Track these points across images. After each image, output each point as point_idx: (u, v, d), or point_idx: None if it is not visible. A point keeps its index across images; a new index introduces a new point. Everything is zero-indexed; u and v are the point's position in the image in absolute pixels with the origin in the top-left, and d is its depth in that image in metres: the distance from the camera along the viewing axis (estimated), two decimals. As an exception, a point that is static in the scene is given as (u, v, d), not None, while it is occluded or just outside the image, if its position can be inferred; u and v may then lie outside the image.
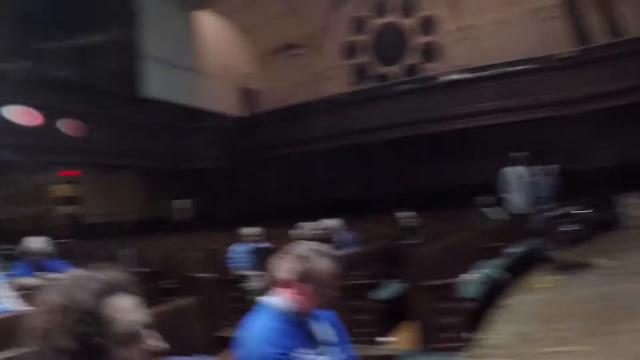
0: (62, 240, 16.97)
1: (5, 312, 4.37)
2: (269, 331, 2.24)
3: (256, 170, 22.69)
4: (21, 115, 16.56)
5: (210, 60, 24.27)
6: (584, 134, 16.50)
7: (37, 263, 5.50)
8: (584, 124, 16.24)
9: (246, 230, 7.62)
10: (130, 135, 19.91)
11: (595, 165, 16.10)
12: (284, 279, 2.34)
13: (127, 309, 1.34)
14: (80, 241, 16.31)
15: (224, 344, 3.94)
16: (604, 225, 11.61)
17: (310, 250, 2.37)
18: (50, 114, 17.37)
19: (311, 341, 2.36)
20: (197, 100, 22.66)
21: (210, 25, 25.10)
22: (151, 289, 4.75)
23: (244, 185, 22.53)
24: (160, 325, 3.38)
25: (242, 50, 26.75)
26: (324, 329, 2.45)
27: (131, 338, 1.33)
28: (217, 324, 4.09)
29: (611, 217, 12.63)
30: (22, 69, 17.88)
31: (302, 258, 2.33)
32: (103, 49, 20.03)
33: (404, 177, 19.05)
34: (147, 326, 1.40)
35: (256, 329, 2.28)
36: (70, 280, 1.36)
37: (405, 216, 7.60)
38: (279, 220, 17.28)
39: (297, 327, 2.33)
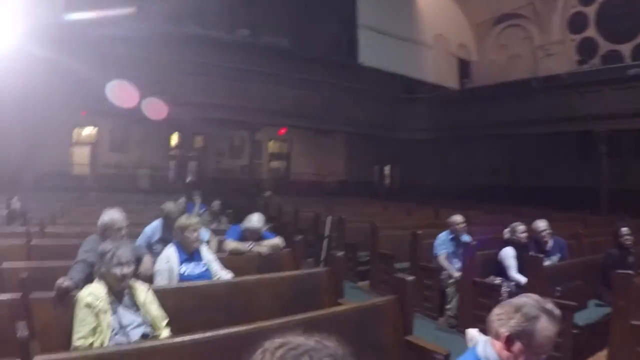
0: (267, 193, 18.16)
1: (202, 277, 4.71)
2: None
3: (463, 147, 21.86)
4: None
5: (425, 29, 23.82)
6: None
7: (250, 236, 5.83)
8: None
9: (452, 219, 7.42)
10: (342, 102, 20.40)
11: None
12: (499, 331, 2.20)
13: None
14: (284, 195, 17.29)
15: (413, 350, 3.91)
16: None
17: (536, 308, 2.16)
18: (269, 79, 18.41)
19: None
20: (410, 70, 22.48)
21: (425, -6, 24.45)
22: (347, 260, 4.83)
23: (449, 161, 22.03)
24: (353, 323, 3.42)
25: (457, 20, 25.68)
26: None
27: None
28: (408, 326, 4.00)
29: None
30: (241, 38, 19.12)
31: (525, 316, 2.14)
32: (321, 17, 20.65)
33: (622, 176, 17.04)
34: None
35: None
36: (302, 347, 1.23)
37: (626, 233, 6.78)
38: (480, 201, 16.85)
39: None
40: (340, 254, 5.00)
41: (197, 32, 17.70)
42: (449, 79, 24.43)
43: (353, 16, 20.53)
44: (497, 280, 6.25)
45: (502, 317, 2.21)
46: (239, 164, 21.49)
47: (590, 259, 6.91)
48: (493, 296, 5.90)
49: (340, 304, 4.62)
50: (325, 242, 9.36)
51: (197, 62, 16.77)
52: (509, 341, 2.15)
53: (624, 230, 6.76)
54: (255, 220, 5.86)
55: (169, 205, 5.81)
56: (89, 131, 19.54)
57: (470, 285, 6.40)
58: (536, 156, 20.25)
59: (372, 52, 20.40)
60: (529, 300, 2.22)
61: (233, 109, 17.18)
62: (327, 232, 9.52)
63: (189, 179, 20.65)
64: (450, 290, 6.91)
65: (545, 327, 2.13)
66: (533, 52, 23.50)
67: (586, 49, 22.11)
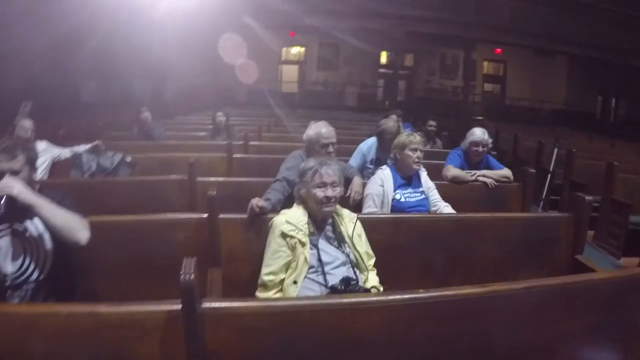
0: (479, 118, 16.97)
1: (419, 206, 3.98)
2: None
3: None
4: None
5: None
6: None
7: (472, 156, 4.95)
8: None
9: None
10: (568, 18, 18.05)
11: None
12: None
13: None
14: (496, 121, 16.00)
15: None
16: None
17: None
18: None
19: None
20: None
21: None
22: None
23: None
24: (605, 296, 2.48)
25: None
26: None
27: None
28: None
29: None
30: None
31: None
32: None
33: None
34: None
35: None
36: None
37: None
38: None
39: None
40: (589, 198, 3.92)
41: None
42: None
43: None
44: None
45: None
46: (451, 85, 20.49)
47: None
48: None
49: (578, 261, 3.72)
50: (548, 179, 8.16)
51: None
52: None
53: None
54: (479, 132, 4.93)
55: (387, 122, 5.01)
56: (297, 50, 19.73)
57: None
58: None
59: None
60: None
61: (445, 23, 16.08)
62: (552, 166, 8.30)
63: (398, 99, 20.05)
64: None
65: None
66: None
67: None
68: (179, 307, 1.80)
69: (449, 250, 3.48)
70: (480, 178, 4.73)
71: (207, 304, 1.88)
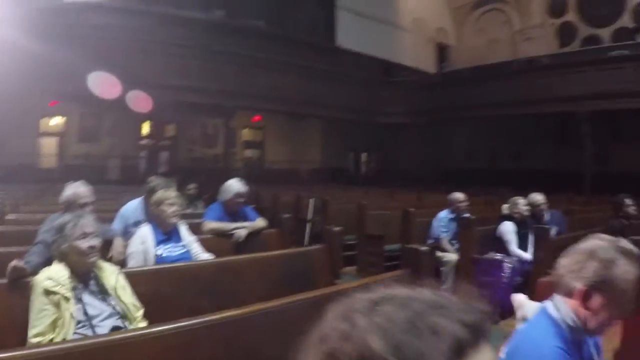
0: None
1: (182, 259, 4.12)
2: (555, 354, 1.66)
3: (441, 131, 21.61)
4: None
5: (404, 13, 23.54)
6: None
7: (233, 207, 5.24)
8: None
9: (453, 196, 7.02)
10: (319, 85, 19.82)
11: None
12: (571, 286, 1.72)
13: None
14: (258, 185, 16.78)
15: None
16: None
17: (613, 249, 1.70)
18: (245, 62, 17.77)
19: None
20: (389, 53, 22.19)
21: (405, -23, 23.99)
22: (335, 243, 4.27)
23: (427, 146, 21.71)
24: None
25: (436, 4, 25.33)
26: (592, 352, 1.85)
27: None
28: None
29: None
30: (216, 17, 18.41)
31: (603, 261, 1.68)
32: (299, -2, 20.14)
33: (604, 156, 17.12)
34: None
35: (538, 346, 1.69)
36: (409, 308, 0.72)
37: (630, 203, 6.50)
38: (459, 186, 16.33)
39: (574, 349, 1.73)
40: (337, 229, 4.48)
41: (170, 11, 16.97)
42: (427, 63, 24.21)
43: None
44: (498, 256, 5.87)
45: (573, 268, 1.73)
46: (212, 153, 21.04)
47: (592, 231, 6.49)
48: (495, 273, 5.60)
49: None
50: (308, 227, 8.85)
51: (170, 43, 16.06)
52: (586, 297, 1.69)
53: (628, 200, 6.51)
54: (237, 184, 5.27)
55: (156, 180, 4.76)
56: (56, 121, 18.84)
57: (469, 263, 5.92)
58: (515, 139, 20.19)
59: (350, 35, 20.23)
60: (600, 242, 1.75)
61: (207, 92, 16.59)
62: (310, 215, 9.02)
63: (161, 170, 20.01)
64: (445, 269, 6.53)
65: (626, 271, 1.67)
66: (512, 37, 23.41)
67: (566, 33, 22.08)
68: None
69: (215, 293, 3.67)
70: (238, 232, 5.00)
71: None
